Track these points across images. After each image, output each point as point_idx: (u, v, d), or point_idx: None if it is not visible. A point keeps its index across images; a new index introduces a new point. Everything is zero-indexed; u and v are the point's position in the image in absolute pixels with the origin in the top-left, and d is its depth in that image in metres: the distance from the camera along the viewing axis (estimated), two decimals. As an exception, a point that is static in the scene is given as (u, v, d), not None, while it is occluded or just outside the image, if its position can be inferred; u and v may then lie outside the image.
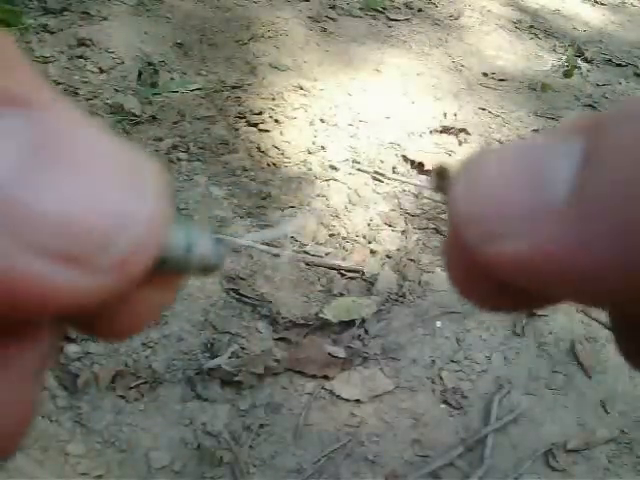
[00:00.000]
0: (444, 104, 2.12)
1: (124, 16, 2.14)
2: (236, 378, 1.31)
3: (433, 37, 2.48)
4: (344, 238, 1.62)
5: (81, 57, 1.95)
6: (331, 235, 1.62)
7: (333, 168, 1.79)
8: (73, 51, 1.97)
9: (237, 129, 1.85)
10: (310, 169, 1.78)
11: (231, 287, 1.46)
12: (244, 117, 1.88)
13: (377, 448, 1.28)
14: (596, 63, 2.59)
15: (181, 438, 1.23)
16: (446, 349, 1.45)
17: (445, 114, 2.07)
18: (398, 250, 1.62)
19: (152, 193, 0.17)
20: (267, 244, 1.55)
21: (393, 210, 1.72)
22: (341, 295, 1.49)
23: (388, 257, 1.60)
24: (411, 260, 1.61)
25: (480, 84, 2.29)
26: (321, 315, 1.43)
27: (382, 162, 1.84)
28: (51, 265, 0.15)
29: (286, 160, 1.79)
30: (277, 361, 1.35)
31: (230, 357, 1.34)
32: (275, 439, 1.27)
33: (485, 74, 2.35)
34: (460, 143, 1.98)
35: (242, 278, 1.48)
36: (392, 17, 2.52)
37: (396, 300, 1.52)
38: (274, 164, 1.77)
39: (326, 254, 1.57)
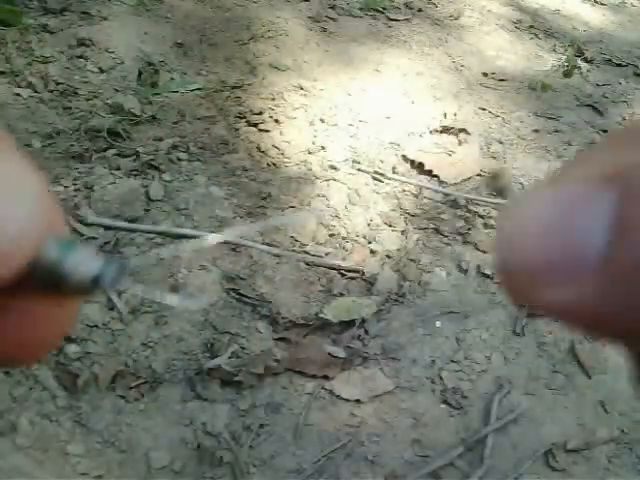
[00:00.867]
0: (444, 104, 2.12)
1: (124, 16, 2.14)
2: (236, 378, 1.31)
3: (433, 37, 2.48)
4: (344, 238, 1.62)
5: (81, 57, 1.95)
6: (331, 235, 1.62)
7: (333, 168, 1.79)
8: (73, 51, 1.97)
9: (237, 129, 1.85)
10: (310, 169, 1.78)
11: (231, 287, 1.46)
12: (244, 117, 1.88)
13: (377, 448, 1.28)
14: (596, 63, 2.58)
15: (181, 438, 1.23)
16: (446, 349, 1.45)
17: (445, 114, 2.07)
18: (398, 250, 1.62)
19: (28, 202, 0.18)
20: (267, 244, 1.55)
21: (393, 210, 1.72)
22: (341, 295, 1.49)
23: (388, 257, 1.60)
24: (411, 260, 1.61)
25: (480, 84, 2.29)
26: (321, 315, 1.43)
27: (382, 162, 1.84)
28: None
29: (286, 160, 1.79)
30: (277, 361, 1.35)
31: (230, 357, 1.34)
32: (275, 439, 1.27)
33: (485, 74, 2.35)
34: (460, 143, 1.98)
35: (242, 278, 1.48)
36: (392, 17, 2.52)
37: (396, 300, 1.52)
38: (274, 164, 1.77)
39: (326, 254, 1.57)
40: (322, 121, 1.93)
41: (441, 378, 1.39)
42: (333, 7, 2.49)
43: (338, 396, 1.33)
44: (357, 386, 1.36)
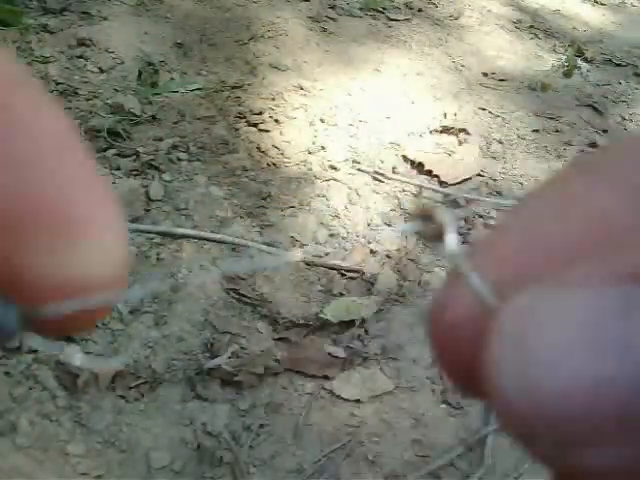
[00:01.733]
0: (444, 104, 2.12)
1: (124, 16, 2.14)
2: (236, 378, 1.31)
3: (433, 37, 2.48)
4: (344, 238, 1.62)
5: (81, 57, 1.95)
6: (331, 235, 1.62)
7: (333, 168, 1.79)
8: (73, 51, 1.97)
9: (237, 129, 1.85)
10: (310, 169, 1.78)
11: (231, 287, 1.46)
12: (244, 117, 1.88)
13: (377, 448, 1.28)
14: (596, 63, 2.58)
15: (181, 438, 1.23)
16: (446, 349, 1.45)
17: (445, 114, 2.07)
18: (398, 250, 1.62)
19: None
20: (268, 244, 1.55)
21: (393, 210, 1.72)
22: (341, 295, 1.49)
23: (388, 257, 1.60)
24: (411, 260, 1.61)
25: (480, 84, 2.29)
26: (321, 315, 1.43)
27: (382, 162, 1.84)
28: None
29: (286, 160, 1.79)
30: (277, 361, 1.35)
31: (230, 357, 1.34)
32: (275, 439, 1.27)
33: (485, 74, 2.35)
34: (460, 143, 1.98)
35: (242, 278, 1.48)
36: (392, 17, 2.52)
37: (396, 300, 1.52)
38: (274, 164, 1.77)
39: (326, 254, 1.57)
40: (322, 121, 1.93)
41: (441, 378, 1.39)
42: (333, 7, 2.49)
43: (338, 396, 1.33)
44: (357, 386, 1.36)
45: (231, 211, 1.62)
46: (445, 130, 2.00)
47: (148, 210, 1.57)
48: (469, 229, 1.70)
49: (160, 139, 1.76)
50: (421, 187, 1.79)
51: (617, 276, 0.13)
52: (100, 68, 1.94)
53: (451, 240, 0.17)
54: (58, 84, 1.86)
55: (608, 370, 0.12)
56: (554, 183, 0.16)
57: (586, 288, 0.13)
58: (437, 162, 1.87)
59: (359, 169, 1.81)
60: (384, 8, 2.56)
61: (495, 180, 1.89)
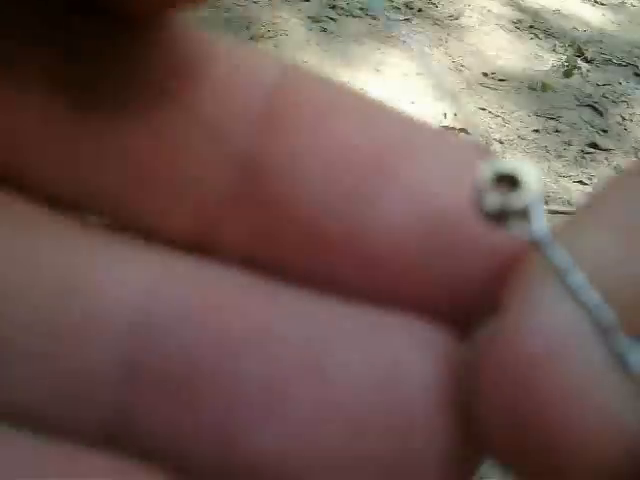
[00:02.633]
0: (444, 104, 2.12)
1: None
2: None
3: (433, 37, 2.48)
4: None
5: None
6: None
7: (333, 168, 1.79)
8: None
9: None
10: (310, 169, 1.78)
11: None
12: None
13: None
14: (596, 63, 2.58)
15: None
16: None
17: (445, 114, 2.07)
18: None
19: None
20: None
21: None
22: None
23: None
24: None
25: (480, 84, 2.29)
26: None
27: (382, 162, 1.84)
28: None
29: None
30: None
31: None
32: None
33: (485, 74, 2.35)
34: (460, 143, 1.98)
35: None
36: (392, 17, 2.52)
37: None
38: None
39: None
40: (322, 121, 1.93)
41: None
42: (333, 7, 2.49)
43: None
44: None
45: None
46: (445, 130, 2.00)
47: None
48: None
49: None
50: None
51: None
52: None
53: (539, 221, 0.13)
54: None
55: None
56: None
57: None
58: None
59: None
60: (384, 8, 2.55)
61: (495, 180, 1.89)
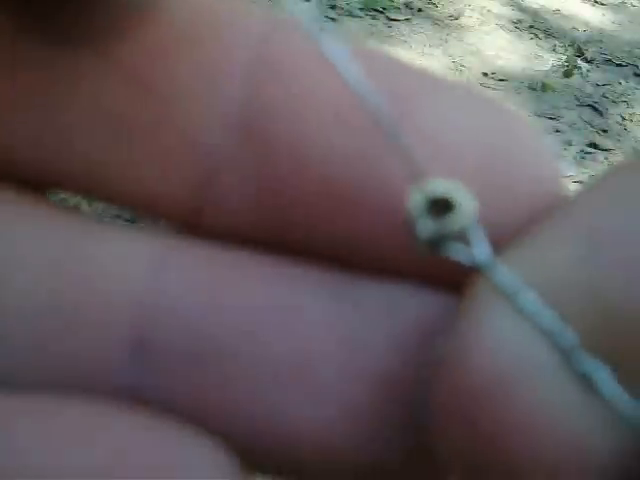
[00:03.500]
0: (444, 104, 2.12)
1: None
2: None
3: (433, 37, 2.48)
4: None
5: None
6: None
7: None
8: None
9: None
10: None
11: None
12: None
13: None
14: (596, 63, 2.59)
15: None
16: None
17: (445, 114, 2.07)
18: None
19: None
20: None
21: (393, 210, 1.72)
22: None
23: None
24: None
25: (480, 84, 2.29)
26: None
27: (382, 162, 1.85)
28: None
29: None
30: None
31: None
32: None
33: (485, 74, 2.35)
34: (460, 143, 1.98)
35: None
36: (392, 17, 2.52)
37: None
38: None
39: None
40: (322, 121, 1.93)
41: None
42: (333, 7, 2.49)
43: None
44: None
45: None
46: (445, 130, 2.00)
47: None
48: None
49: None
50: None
51: None
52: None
53: (479, 243, 0.13)
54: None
55: None
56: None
57: None
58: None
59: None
60: (384, 8, 2.56)
61: (495, 180, 1.89)
